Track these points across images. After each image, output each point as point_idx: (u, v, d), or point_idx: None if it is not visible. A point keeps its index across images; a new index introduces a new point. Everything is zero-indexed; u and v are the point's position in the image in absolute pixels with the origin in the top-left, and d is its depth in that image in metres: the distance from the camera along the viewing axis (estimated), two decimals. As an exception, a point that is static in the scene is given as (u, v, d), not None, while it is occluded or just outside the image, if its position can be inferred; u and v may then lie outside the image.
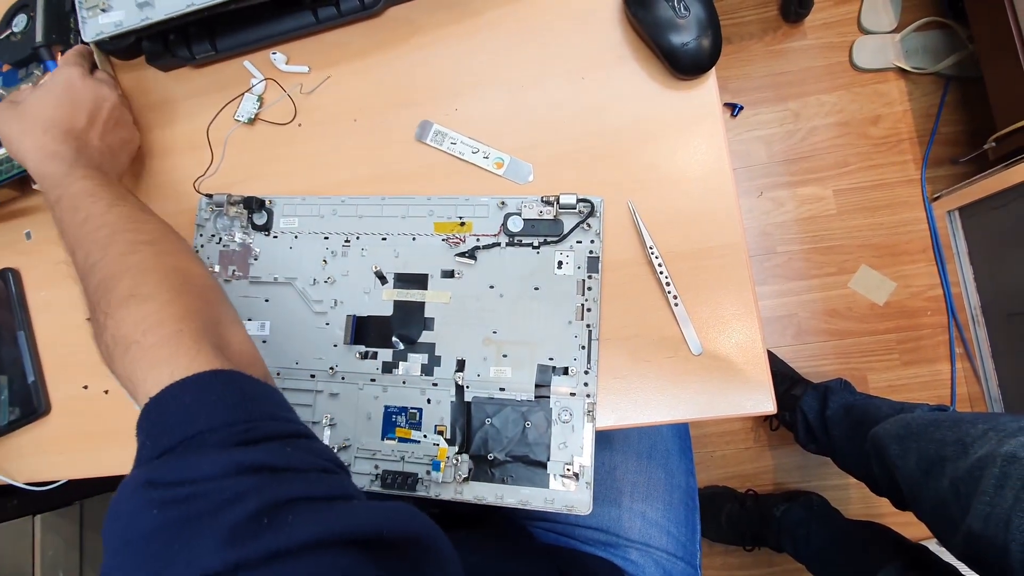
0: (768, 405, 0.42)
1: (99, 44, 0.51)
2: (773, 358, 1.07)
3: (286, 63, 0.53)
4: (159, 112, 0.56)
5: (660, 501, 0.58)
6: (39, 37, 0.51)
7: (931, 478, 0.57)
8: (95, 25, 0.48)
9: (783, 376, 1.02)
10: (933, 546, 0.75)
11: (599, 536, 0.57)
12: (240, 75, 0.54)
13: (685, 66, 0.45)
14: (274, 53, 0.53)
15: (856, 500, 1.06)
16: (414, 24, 0.51)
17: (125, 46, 0.53)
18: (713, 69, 0.46)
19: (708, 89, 0.46)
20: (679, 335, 0.44)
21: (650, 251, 0.44)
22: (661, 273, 0.44)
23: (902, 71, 1.09)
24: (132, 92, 0.56)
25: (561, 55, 0.48)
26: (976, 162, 1.00)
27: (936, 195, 1.06)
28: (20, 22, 0.53)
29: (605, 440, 0.59)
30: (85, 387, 0.54)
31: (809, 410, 0.91)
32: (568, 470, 0.44)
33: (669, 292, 0.44)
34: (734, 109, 1.14)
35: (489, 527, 0.59)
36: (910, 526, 1.04)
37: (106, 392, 0.53)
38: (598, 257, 0.45)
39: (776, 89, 1.13)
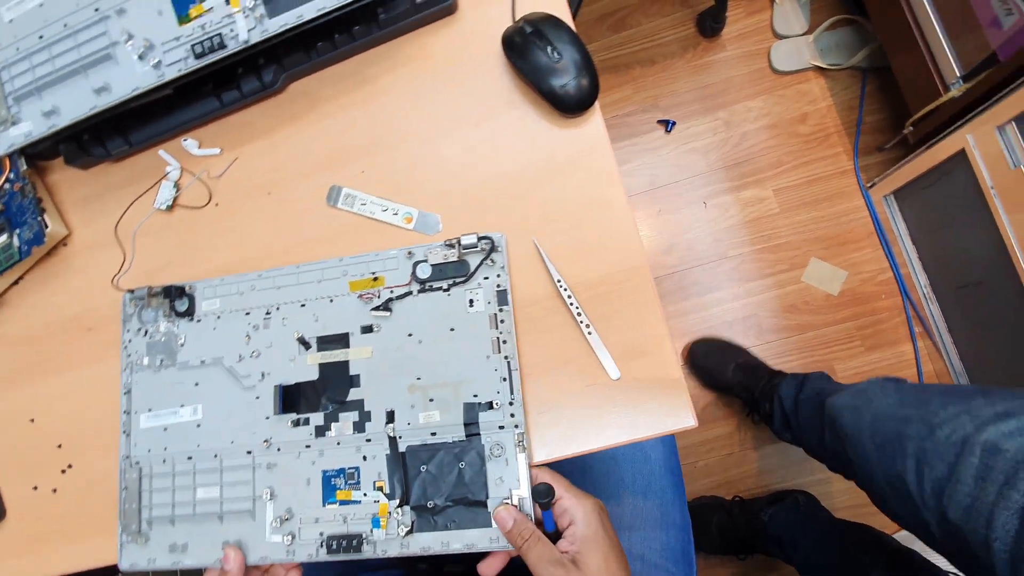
0: (689, 420, 0.43)
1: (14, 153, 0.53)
2: (748, 354, 1.07)
3: (198, 147, 0.55)
4: (83, 209, 0.57)
5: (657, 542, 0.58)
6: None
7: (887, 455, 0.56)
8: (6, 139, 0.50)
9: (763, 369, 1.02)
10: (918, 545, 0.75)
11: None
12: (158, 163, 0.56)
13: (569, 106, 0.47)
14: (185, 140, 0.55)
15: (842, 493, 1.06)
16: (314, 96, 0.53)
17: (41, 150, 0.55)
18: (597, 104, 0.48)
19: (595, 123, 0.48)
20: (597, 362, 0.45)
21: (558, 284, 0.46)
22: (572, 304, 0.46)
23: (820, 69, 1.13)
24: (56, 192, 0.58)
25: (455, 107, 0.51)
26: (901, 146, 1.04)
27: (871, 182, 1.09)
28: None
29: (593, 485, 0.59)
30: (35, 488, 0.54)
31: (786, 397, 0.91)
32: (508, 504, 0.44)
33: (581, 322, 0.45)
34: (667, 125, 1.18)
35: None
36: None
37: (54, 491, 0.53)
38: (506, 290, 0.47)
39: (704, 101, 1.17)
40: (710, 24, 1.14)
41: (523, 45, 0.47)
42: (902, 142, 1.00)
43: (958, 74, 0.82)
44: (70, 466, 0.53)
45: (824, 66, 1.12)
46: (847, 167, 1.12)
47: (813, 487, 1.05)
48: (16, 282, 0.57)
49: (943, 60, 0.84)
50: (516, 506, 0.44)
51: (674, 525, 0.59)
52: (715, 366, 1.07)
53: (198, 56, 0.47)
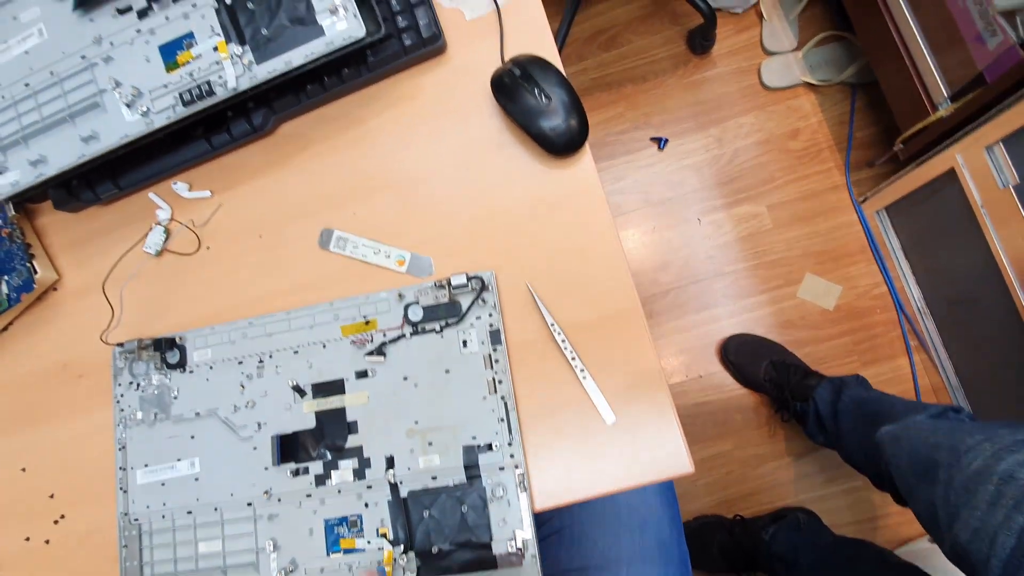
0: (685, 466, 0.43)
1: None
2: (786, 352, 1.08)
3: (189, 190, 0.54)
4: (73, 252, 0.57)
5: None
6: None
7: (924, 482, 0.58)
8: (-9, 188, 0.49)
9: (796, 368, 1.02)
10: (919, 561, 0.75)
11: None
12: (149, 204, 0.55)
13: (559, 147, 0.47)
14: (175, 183, 0.54)
15: (843, 510, 1.06)
16: (305, 138, 0.53)
17: (30, 195, 0.54)
18: (587, 145, 0.48)
19: (586, 163, 0.48)
20: (592, 407, 0.45)
21: (552, 328, 0.46)
22: (565, 348, 0.45)
23: (810, 85, 1.14)
24: (45, 235, 0.57)
25: (446, 148, 0.51)
26: (892, 162, 1.04)
27: (863, 196, 1.09)
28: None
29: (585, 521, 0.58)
30: (27, 539, 0.53)
31: (821, 402, 0.92)
32: (512, 546, 0.44)
33: (576, 366, 0.45)
34: (660, 142, 1.18)
35: None
36: (897, 526, 1.05)
37: (47, 542, 0.53)
38: (499, 329, 0.47)
39: (696, 118, 1.17)
40: (700, 42, 1.15)
41: (512, 87, 0.47)
42: (892, 158, 1.00)
43: (945, 94, 0.82)
44: (63, 516, 0.53)
45: (814, 82, 1.13)
46: (839, 182, 1.12)
47: (814, 504, 1.05)
48: (5, 328, 0.57)
49: (930, 80, 0.85)
50: (520, 550, 0.43)
51: (672, 561, 0.58)
52: (747, 362, 1.07)
53: (186, 104, 0.47)
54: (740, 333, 1.11)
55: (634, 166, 1.18)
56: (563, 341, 0.45)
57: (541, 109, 0.46)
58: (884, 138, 1.11)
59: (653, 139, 1.18)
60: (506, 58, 0.50)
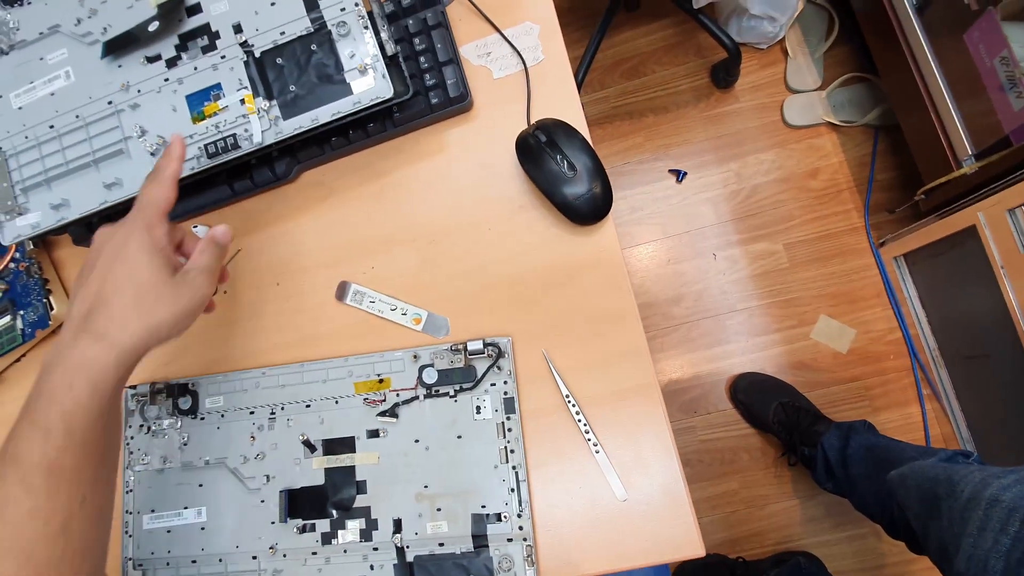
0: (697, 548, 0.42)
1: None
2: (796, 394, 1.07)
3: (208, 233, 0.54)
4: (90, 287, 0.57)
5: None
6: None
7: (933, 519, 0.59)
8: (12, 229, 0.49)
9: (806, 412, 1.02)
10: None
11: None
12: (167, 244, 0.55)
13: (583, 215, 0.47)
14: (195, 225, 0.54)
15: (848, 555, 1.05)
16: (327, 187, 0.53)
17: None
18: (611, 215, 0.47)
19: (607, 231, 0.48)
20: (604, 481, 0.44)
21: (567, 399, 0.45)
22: (580, 421, 0.45)
23: (832, 125, 1.13)
24: (63, 267, 0.57)
25: (467, 206, 0.50)
26: (913, 209, 1.03)
27: (882, 240, 1.08)
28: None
29: None
30: None
31: (830, 448, 0.91)
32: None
33: (589, 440, 0.45)
34: (679, 175, 1.17)
35: None
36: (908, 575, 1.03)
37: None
38: (513, 398, 0.46)
39: (716, 152, 1.16)
40: (723, 76, 1.14)
41: (536, 152, 0.47)
42: (913, 206, 0.99)
43: (970, 151, 0.81)
44: (69, 554, 0.53)
45: (836, 122, 1.11)
46: (858, 224, 1.11)
47: (818, 549, 1.04)
48: (18, 359, 0.57)
49: (955, 134, 0.83)
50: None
51: None
52: (756, 402, 1.06)
53: (211, 156, 0.47)
54: (751, 372, 1.10)
55: (651, 197, 1.18)
56: (577, 413, 0.45)
57: (564, 177, 0.46)
58: (905, 183, 1.10)
59: (672, 171, 1.18)
60: (532, 120, 0.49)
